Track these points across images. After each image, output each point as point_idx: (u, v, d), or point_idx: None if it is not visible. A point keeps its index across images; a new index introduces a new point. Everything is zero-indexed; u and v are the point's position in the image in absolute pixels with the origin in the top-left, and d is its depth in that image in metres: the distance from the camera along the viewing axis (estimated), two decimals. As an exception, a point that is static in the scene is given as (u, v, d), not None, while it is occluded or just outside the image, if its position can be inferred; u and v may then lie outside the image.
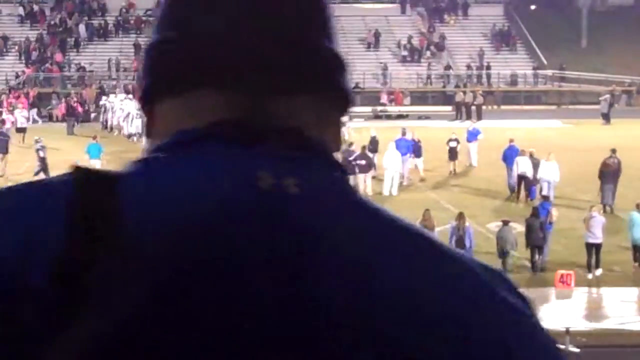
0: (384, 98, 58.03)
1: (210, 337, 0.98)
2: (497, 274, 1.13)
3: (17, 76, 59.59)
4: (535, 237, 23.45)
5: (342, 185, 1.13)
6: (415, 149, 34.51)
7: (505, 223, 23.67)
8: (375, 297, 1.02)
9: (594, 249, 23.37)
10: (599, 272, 23.36)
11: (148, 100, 1.21)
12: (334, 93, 1.20)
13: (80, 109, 51.50)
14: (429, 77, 63.83)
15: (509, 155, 32.10)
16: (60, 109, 52.37)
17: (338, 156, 1.17)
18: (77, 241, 1.01)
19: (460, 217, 23.27)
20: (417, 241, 1.10)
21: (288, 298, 1.00)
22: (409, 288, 1.04)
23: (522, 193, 31.27)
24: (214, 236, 1.02)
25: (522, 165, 31.19)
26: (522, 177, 31.19)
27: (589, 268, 23.32)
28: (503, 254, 23.08)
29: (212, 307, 0.99)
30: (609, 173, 30.19)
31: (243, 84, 1.13)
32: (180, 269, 1.00)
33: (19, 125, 43.15)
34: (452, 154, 35.06)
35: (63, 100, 53.35)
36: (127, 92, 51.72)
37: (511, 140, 33.14)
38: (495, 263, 22.47)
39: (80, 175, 1.06)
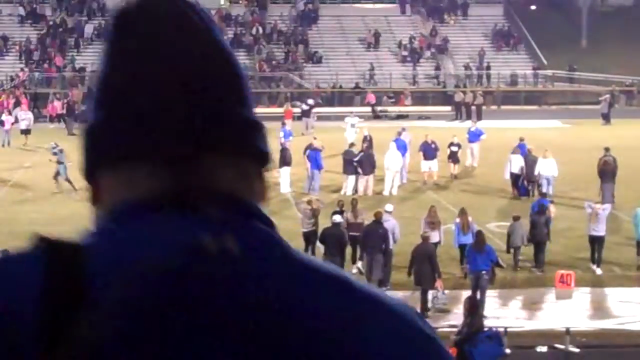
0: (371, 98, 57.57)
1: None
2: (412, 309, 1.32)
3: (11, 79, 59.57)
4: (539, 233, 23.60)
5: (273, 240, 1.30)
6: (429, 150, 33.63)
7: (516, 219, 23.84)
8: (299, 341, 1.21)
9: (596, 242, 23.65)
10: (599, 271, 23.44)
11: (89, 175, 1.38)
12: (251, 152, 1.36)
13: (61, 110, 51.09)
14: (436, 77, 63.83)
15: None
16: (50, 109, 51.90)
17: (264, 207, 1.36)
18: (55, 306, 1.20)
19: (463, 213, 23.25)
20: (343, 286, 1.27)
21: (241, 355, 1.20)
22: (329, 328, 1.22)
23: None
24: (164, 299, 1.20)
25: (515, 164, 31.62)
26: (514, 175, 31.68)
27: (592, 261, 23.57)
28: (514, 248, 23.30)
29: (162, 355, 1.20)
30: (608, 171, 30.25)
31: (169, 155, 1.30)
32: (137, 324, 1.19)
33: (23, 127, 42.90)
34: (454, 158, 34.61)
35: (54, 100, 53.19)
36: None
37: (521, 139, 33.45)
38: (504, 259, 22.49)
39: (50, 249, 1.26)
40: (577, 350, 18.32)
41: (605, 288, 22.51)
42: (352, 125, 39.90)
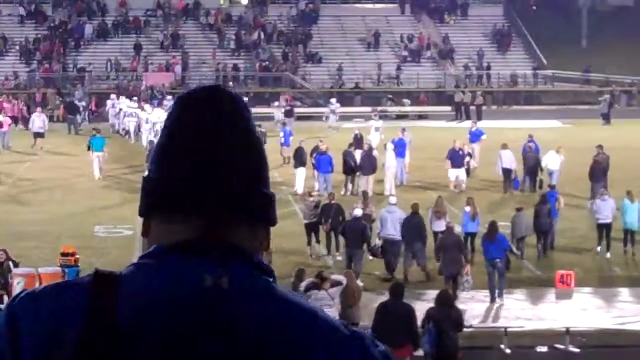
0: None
1: None
2: (363, 335, 1.83)
3: (5, 78, 59.59)
4: (543, 222, 24.44)
5: (260, 281, 1.82)
6: (457, 158, 32.14)
7: (519, 209, 24.60)
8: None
9: (604, 229, 24.64)
10: (608, 255, 24.41)
11: (144, 214, 1.89)
12: (264, 220, 1.90)
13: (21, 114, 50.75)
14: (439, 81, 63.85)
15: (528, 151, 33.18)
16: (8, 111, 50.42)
17: (264, 256, 1.91)
18: (91, 328, 1.75)
19: (471, 201, 24.32)
20: (315, 320, 1.80)
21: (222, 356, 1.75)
22: (291, 347, 1.76)
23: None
24: (176, 321, 1.75)
25: (506, 159, 31.89)
26: (506, 170, 32.00)
27: (599, 244, 24.77)
28: (518, 239, 23.94)
29: None
30: (599, 169, 30.36)
31: (202, 215, 1.82)
32: (157, 344, 1.74)
33: (35, 130, 42.39)
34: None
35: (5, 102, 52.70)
36: (129, 95, 51.43)
37: (530, 136, 33.92)
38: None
39: (95, 278, 1.80)
40: (577, 350, 18.32)
41: (605, 288, 22.50)
42: (377, 129, 39.56)
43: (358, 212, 22.77)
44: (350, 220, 22.69)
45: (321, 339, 1.77)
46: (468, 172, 32.95)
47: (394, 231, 22.50)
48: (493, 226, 21.50)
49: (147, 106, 45.98)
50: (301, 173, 31.84)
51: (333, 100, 50.98)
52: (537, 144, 33.48)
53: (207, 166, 1.82)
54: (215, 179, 1.82)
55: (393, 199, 24.42)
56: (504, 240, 21.49)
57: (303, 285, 17.07)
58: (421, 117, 53.25)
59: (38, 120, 42.84)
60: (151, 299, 1.75)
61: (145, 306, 1.75)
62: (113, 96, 51.01)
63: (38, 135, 42.12)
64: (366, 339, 1.82)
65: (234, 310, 1.76)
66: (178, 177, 1.82)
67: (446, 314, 15.70)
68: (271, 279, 1.85)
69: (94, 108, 54.74)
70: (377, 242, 22.85)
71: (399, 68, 63.36)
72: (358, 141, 35.27)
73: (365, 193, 26.45)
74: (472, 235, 23.76)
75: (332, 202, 24.65)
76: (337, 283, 17.06)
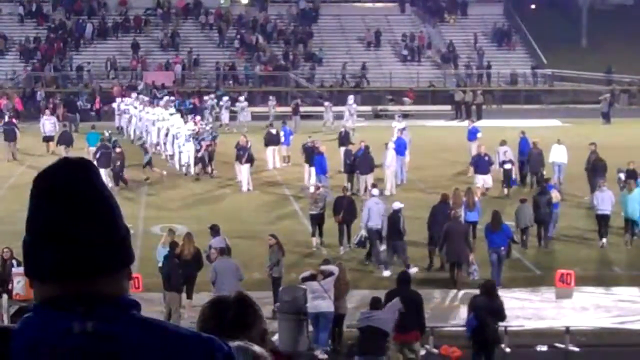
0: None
1: None
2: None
3: (6, 78, 59.68)
4: (542, 213, 25.24)
5: (123, 316, 2.23)
6: (482, 164, 31.46)
7: (522, 201, 25.62)
8: None
9: (603, 220, 25.60)
10: (604, 241, 25.37)
11: (27, 275, 2.30)
12: (122, 265, 2.29)
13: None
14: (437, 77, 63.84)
15: (523, 147, 33.73)
16: None
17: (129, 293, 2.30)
18: None
19: (469, 191, 25.27)
20: (163, 332, 2.25)
21: None
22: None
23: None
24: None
25: (504, 155, 32.02)
26: (504, 164, 32.09)
27: (600, 237, 25.62)
28: (521, 229, 25.00)
29: None
30: (600, 166, 30.46)
31: (61, 279, 2.23)
32: None
33: (47, 134, 42.04)
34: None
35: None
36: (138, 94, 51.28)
37: (523, 132, 34.67)
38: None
39: None
40: (577, 349, 18.34)
41: (605, 287, 22.51)
42: (400, 131, 38.73)
43: (397, 204, 23.42)
44: (391, 212, 23.39)
45: (172, 347, 2.22)
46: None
47: (379, 221, 23.48)
48: (496, 216, 22.54)
49: (137, 103, 46.16)
50: (312, 170, 31.95)
51: (350, 98, 50.50)
52: (527, 139, 33.96)
53: (66, 238, 2.21)
54: (70, 251, 2.21)
55: (375, 191, 25.32)
56: (508, 229, 22.64)
57: (301, 276, 18.19)
58: (406, 115, 52.85)
59: (48, 123, 42.45)
60: (34, 347, 2.21)
61: (31, 353, 2.21)
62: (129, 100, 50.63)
63: (49, 139, 41.78)
64: (214, 342, 2.27)
65: (102, 346, 2.20)
66: (40, 250, 2.24)
67: (488, 303, 16.24)
68: (135, 311, 2.26)
69: (97, 106, 54.78)
70: (362, 232, 23.88)
71: (363, 67, 63.08)
72: (343, 139, 35.33)
73: (374, 185, 26.76)
74: (473, 224, 24.52)
75: (345, 195, 25.70)
76: (330, 274, 17.90)
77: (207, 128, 38.23)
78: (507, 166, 31.56)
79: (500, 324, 18.73)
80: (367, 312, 15.94)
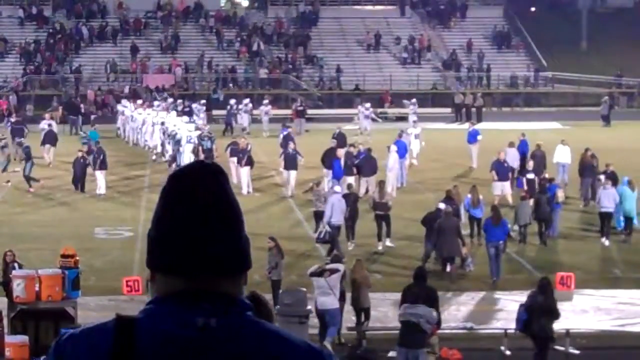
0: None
1: None
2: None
3: (5, 80, 59.65)
4: (543, 211, 25.56)
5: (243, 317, 2.37)
6: (502, 170, 30.23)
7: (523, 198, 26.21)
8: None
9: (606, 217, 25.95)
10: (606, 241, 25.66)
11: (149, 268, 2.42)
12: (242, 270, 2.43)
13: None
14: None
15: (521, 150, 33.76)
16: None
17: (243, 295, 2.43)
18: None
19: (474, 189, 25.80)
20: (281, 339, 2.36)
21: None
22: None
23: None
24: (182, 355, 2.31)
25: (510, 157, 31.97)
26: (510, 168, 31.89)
27: (601, 234, 26.06)
28: (521, 226, 25.51)
29: None
30: (588, 167, 30.65)
31: (190, 274, 2.35)
32: None
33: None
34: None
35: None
36: (134, 97, 51.11)
37: (523, 135, 34.85)
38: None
39: (116, 323, 2.36)
40: (577, 352, 18.32)
41: (605, 290, 22.49)
42: (416, 136, 38.21)
43: (442, 205, 23.65)
44: (432, 211, 23.74)
45: (284, 353, 2.33)
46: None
47: (341, 218, 24.16)
48: (496, 210, 23.38)
49: (131, 106, 46.16)
50: (328, 175, 31.68)
51: (413, 100, 50.21)
52: (527, 141, 34.08)
53: (198, 235, 2.34)
54: (201, 249, 2.34)
55: (338, 188, 26.23)
56: (507, 224, 23.31)
57: (309, 271, 18.62)
58: (400, 118, 52.70)
59: (47, 126, 42.49)
60: (160, 339, 2.31)
61: (156, 344, 2.31)
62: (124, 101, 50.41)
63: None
64: (322, 353, 2.38)
65: (222, 342, 2.32)
66: (176, 243, 2.35)
67: (540, 299, 16.64)
68: (251, 313, 2.38)
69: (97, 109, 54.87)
70: (325, 228, 24.14)
71: (338, 70, 63.03)
72: (337, 139, 35.24)
73: (382, 183, 26.78)
74: (478, 220, 25.31)
75: (351, 192, 26.04)
76: (335, 270, 18.25)
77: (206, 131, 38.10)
78: (530, 176, 29.66)
79: (501, 326, 18.70)
80: (410, 306, 16.03)
